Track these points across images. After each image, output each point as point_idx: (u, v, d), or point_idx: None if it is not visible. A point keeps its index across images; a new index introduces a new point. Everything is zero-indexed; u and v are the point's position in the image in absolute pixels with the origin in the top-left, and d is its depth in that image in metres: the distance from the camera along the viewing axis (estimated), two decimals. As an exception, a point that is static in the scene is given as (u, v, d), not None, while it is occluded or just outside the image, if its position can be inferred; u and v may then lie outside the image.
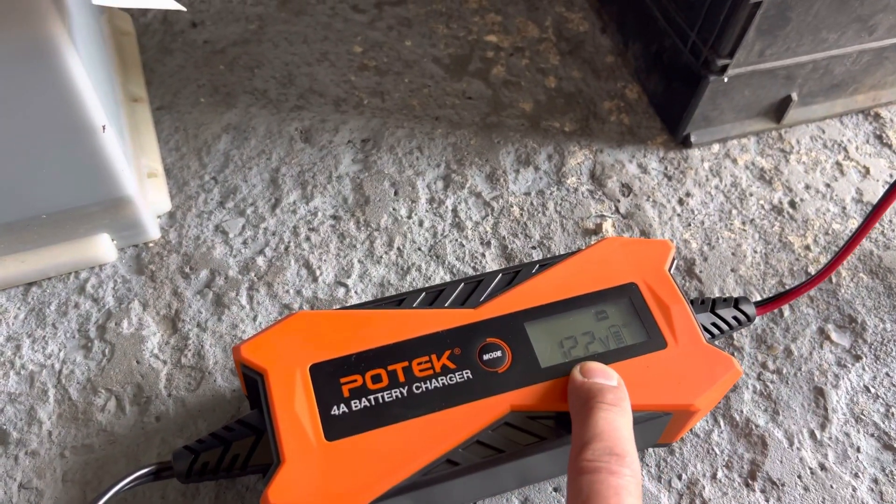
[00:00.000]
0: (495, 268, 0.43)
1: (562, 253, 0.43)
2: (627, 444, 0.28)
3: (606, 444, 0.27)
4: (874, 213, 0.37)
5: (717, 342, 0.40)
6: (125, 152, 0.38)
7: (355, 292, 0.41)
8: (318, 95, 0.49)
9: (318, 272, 0.42)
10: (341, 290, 0.41)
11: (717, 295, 0.43)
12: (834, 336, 0.42)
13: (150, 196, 0.42)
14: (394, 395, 0.31)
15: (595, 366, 0.32)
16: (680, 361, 0.33)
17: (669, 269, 0.35)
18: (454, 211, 0.45)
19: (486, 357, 0.32)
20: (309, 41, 0.52)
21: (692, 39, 0.44)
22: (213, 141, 0.47)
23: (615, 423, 0.29)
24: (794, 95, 0.47)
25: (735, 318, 0.38)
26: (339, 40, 0.52)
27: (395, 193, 0.46)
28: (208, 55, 0.51)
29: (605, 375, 0.31)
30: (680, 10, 0.45)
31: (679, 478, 0.37)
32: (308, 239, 0.43)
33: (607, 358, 0.32)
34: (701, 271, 0.44)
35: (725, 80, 0.44)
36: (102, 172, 0.35)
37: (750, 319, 0.38)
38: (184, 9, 0.28)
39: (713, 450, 0.38)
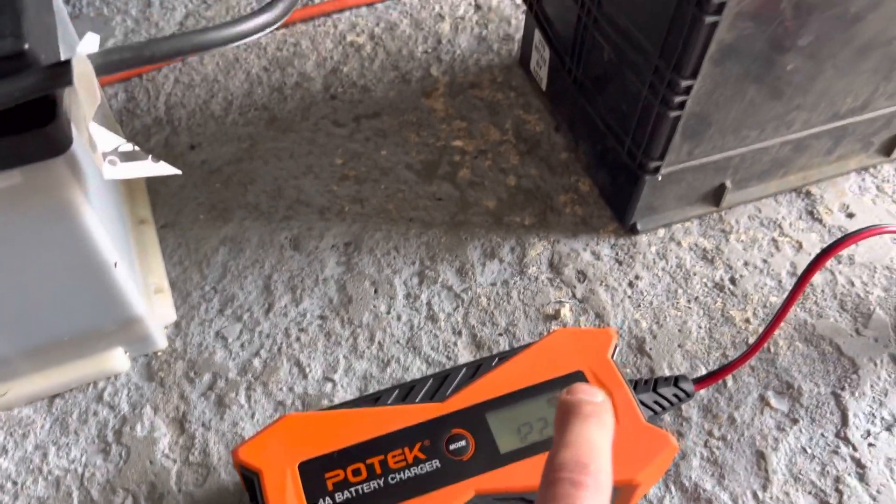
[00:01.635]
0: (466, 355, 0.48)
1: (525, 341, 0.48)
2: (596, 454, 0.27)
3: (574, 453, 0.27)
4: (797, 286, 0.42)
5: (662, 417, 0.45)
6: (134, 276, 0.44)
7: (341, 386, 0.46)
8: (305, 205, 0.55)
9: (307, 369, 0.47)
10: (329, 385, 0.47)
11: (666, 370, 0.48)
12: (773, 402, 0.46)
13: (157, 310, 0.48)
14: (372, 486, 0.36)
15: (581, 385, 0.31)
16: (622, 441, 0.37)
17: (612, 356, 0.40)
18: (428, 304, 0.50)
19: (452, 447, 0.37)
20: (295, 156, 0.58)
21: (628, 144, 0.49)
22: (212, 253, 0.53)
23: (586, 433, 0.28)
24: (728, 182, 0.53)
25: (675, 395, 0.43)
26: (322, 153, 0.58)
27: (375, 291, 0.51)
28: (206, 174, 0.57)
29: (589, 393, 0.30)
30: (614, 119, 0.51)
31: (635, 542, 0.41)
32: (298, 339, 0.49)
33: (556, 442, 0.37)
34: (651, 349, 0.49)
35: (659, 178, 0.49)
36: (116, 300, 0.41)
37: (689, 395, 0.43)
38: (178, 171, 0.34)
39: (665, 514, 0.42)
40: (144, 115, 0.61)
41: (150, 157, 0.34)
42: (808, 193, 0.57)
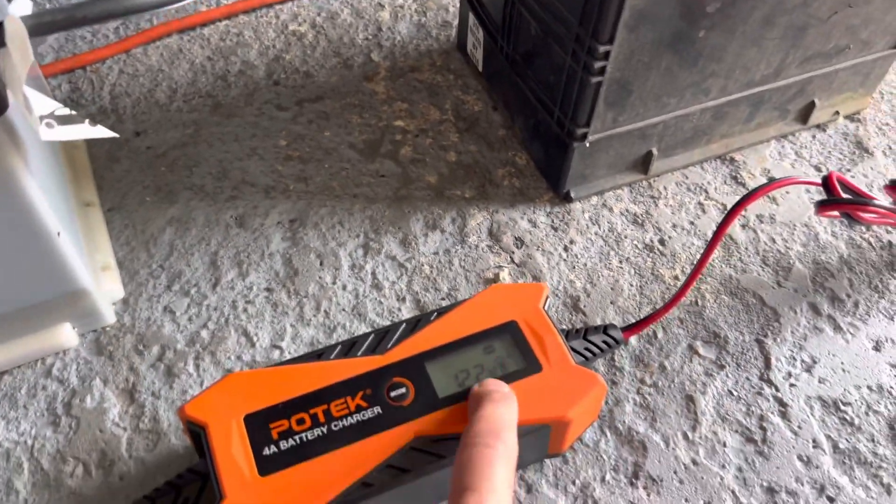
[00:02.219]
0: (410, 320, 0.50)
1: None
2: (505, 428, 0.34)
3: (486, 426, 0.34)
4: (715, 236, 0.45)
5: (594, 363, 0.47)
6: (79, 250, 0.45)
7: (289, 353, 0.48)
8: (250, 185, 0.57)
9: (255, 338, 0.48)
10: (276, 353, 0.48)
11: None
12: (701, 350, 0.49)
13: (104, 287, 0.49)
14: (316, 433, 0.38)
15: (491, 380, 0.38)
16: (553, 382, 0.40)
17: (543, 307, 0.43)
18: (373, 274, 0.52)
19: (392, 394, 0.39)
20: (240, 139, 0.60)
21: (556, 114, 0.52)
22: (159, 233, 0.54)
23: (497, 411, 0.35)
24: (655, 150, 0.56)
25: (605, 341, 0.45)
26: (266, 136, 0.60)
27: (321, 264, 0.53)
28: (151, 159, 0.58)
29: (498, 385, 0.38)
30: (544, 91, 0.53)
31: (573, 483, 0.43)
32: (245, 310, 0.50)
33: (491, 384, 0.39)
34: (585, 306, 0.51)
35: (587, 145, 0.52)
36: (60, 270, 0.42)
37: (618, 342, 0.45)
38: (116, 134, 0.35)
39: (601, 457, 0.44)
40: (89, 104, 0.61)
41: (87, 120, 0.35)
42: (732, 160, 0.60)
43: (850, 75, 0.59)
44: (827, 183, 0.44)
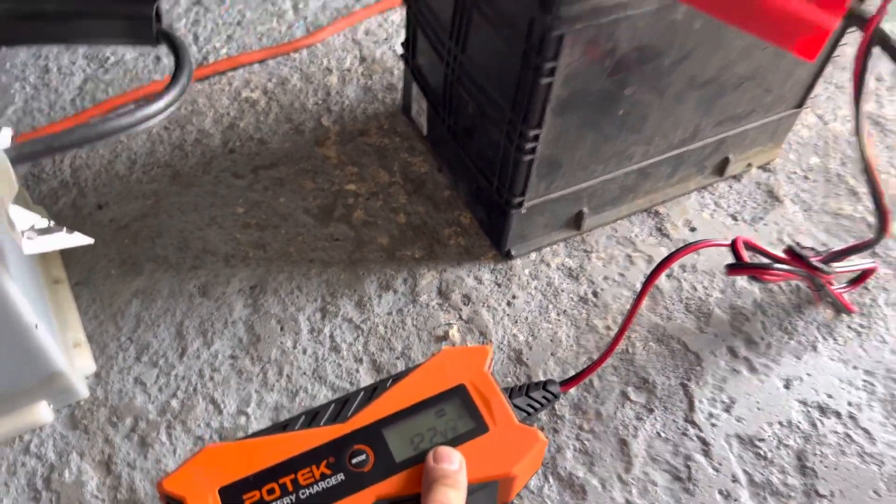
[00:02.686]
0: (368, 380, 0.54)
1: (420, 361, 0.55)
2: None
3: None
4: (637, 300, 0.50)
5: (538, 417, 0.52)
6: (53, 334, 0.48)
7: (255, 418, 0.51)
8: (211, 254, 0.60)
9: (222, 405, 0.52)
10: (243, 418, 0.51)
11: (541, 376, 0.55)
12: (633, 396, 0.54)
13: (77, 363, 0.52)
14: (285, 502, 0.41)
15: (444, 451, 0.43)
16: (499, 441, 0.44)
17: (489, 369, 0.47)
18: (331, 337, 0.56)
19: (354, 461, 0.43)
20: (199, 208, 0.63)
21: (495, 183, 0.57)
22: (125, 306, 0.57)
23: (448, 496, 0.39)
24: (585, 209, 0.61)
25: (544, 397, 0.50)
26: (225, 204, 0.63)
27: (282, 329, 0.56)
28: (114, 231, 0.61)
29: (450, 460, 0.42)
30: (483, 162, 0.58)
31: (520, 528, 0.48)
32: (212, 378, 0.53)
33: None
34: (528, 358, 0.56)
35: (524, 211, 0.57)
36: (38, 359, 0.45)
37: (556, 396, 0.50)
38: (90, 240, 0.38)
39: (545, 501, 0.49)
40: (51, 178, 0.64)
41: (63, 229, 0.38)
42: (657, 213, 0.66)
43: (759, 133, 0.66)
44: (734, 248, 0.49)
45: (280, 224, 0.63)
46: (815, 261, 0.50)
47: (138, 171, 0.65)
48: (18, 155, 0.34)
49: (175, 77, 0.40)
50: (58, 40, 0.42)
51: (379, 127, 0.70)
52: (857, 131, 0.42)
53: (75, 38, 0.41)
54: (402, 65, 0.75)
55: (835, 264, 0.56)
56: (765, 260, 0.50)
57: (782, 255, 0.51)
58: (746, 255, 0.49)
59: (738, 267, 0.49)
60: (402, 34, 0.72)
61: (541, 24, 0.44)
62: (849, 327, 0.59)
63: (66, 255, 0.59)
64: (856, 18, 0.40)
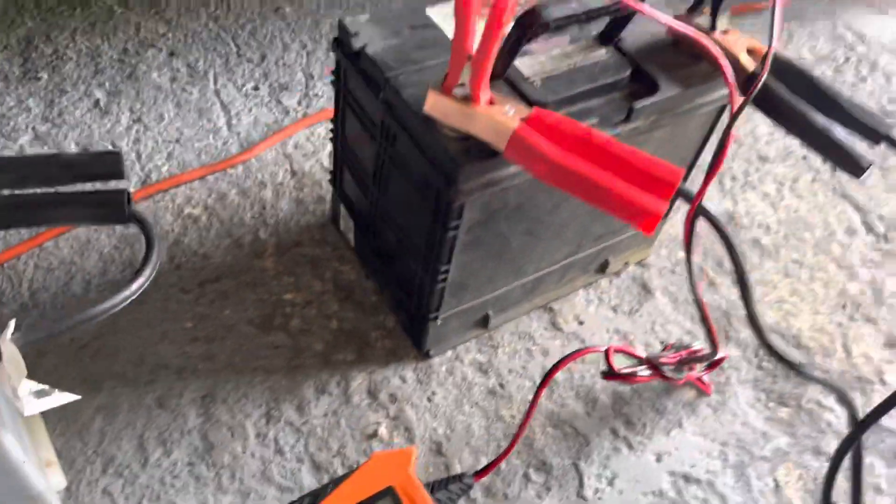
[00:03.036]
0: (309, 478, 0.63)
1: (353, 459, 0.64)
2: None
3: None
4: (533, 401, 0.61)
5: (455, 504, 0.62)
6: (30, 458, 0.55)
7: (213, 520, 0.60)
8: (164, 368, 0.68)
9: (184, 510, 0.60)
10: (203, 521, 0.60)
11: (458, 467, 0.65)
12: (533, 477, 0.65)
13: (50, 481, 0.58)
14: None
15: None
16: (423, 533, 0.54)
17: (413, 469, 0.57)
18: (275, 440, 0.65)
19: (303, 560, 0.52)
20: (151, 324, 0.71)
21: (414, 300, 0.67)
22: (90, 422, 0.64)
23: None
24: (491, 312, 0.72)
25: (461, 488, 0.60)
26: (174, 319, 0.71)
27: (232, 435, 0.65)
28: (75, 351, 0.68)
29: None
30: (403, 281, 0.68)
31: None
32: (173, 485, 0.61)
33: (378, 544, 0.53)
34: (446, 450, 0.66)
35: (439, 322, 0.67)
36: (22, 489, 0.52)
37: (470, 486, 0.61)
38: (77, 396, 0.46)
39: (463, 575, 0.59)
40: (10, 301, 0.70)
41: (56, 391, 0.46)
42: (551, 309, 0.78)
43: (631, 239, 0.79)
44: (606, 357, 0.61)
45: (226, 335, 0.71)
46: (668, 370, 0.62)
47: (93, 290, 0.72)
48: (25, 342, 0.42)
49: (146, 256, 0.49)
50: (42, 223, 0.50)
51: (311, 238, 0.80)
52: (690, 281, 0.55)
53: (57, 221, 0.49)
54: (329, 177, 0.85)
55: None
56: (631, 369, 0.62)
57: (646, 360, 0.63)
58: (615, 364, 0.61)
59: (610, 374, 0.61)
60: (329, 148, 0.81)
61: (446, 195, 0.55)
62: (707, 405, 0.72)
63: (31, 374, 0.65)
64: (683, 195, 0.53)
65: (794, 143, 0.98)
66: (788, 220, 0.92)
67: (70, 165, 0.51)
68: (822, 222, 0.92)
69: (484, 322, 0.73)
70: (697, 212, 0.53)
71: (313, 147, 0.88)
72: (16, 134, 0.82)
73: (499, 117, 0.52)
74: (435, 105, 0.54)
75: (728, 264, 0.85)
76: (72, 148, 0.82)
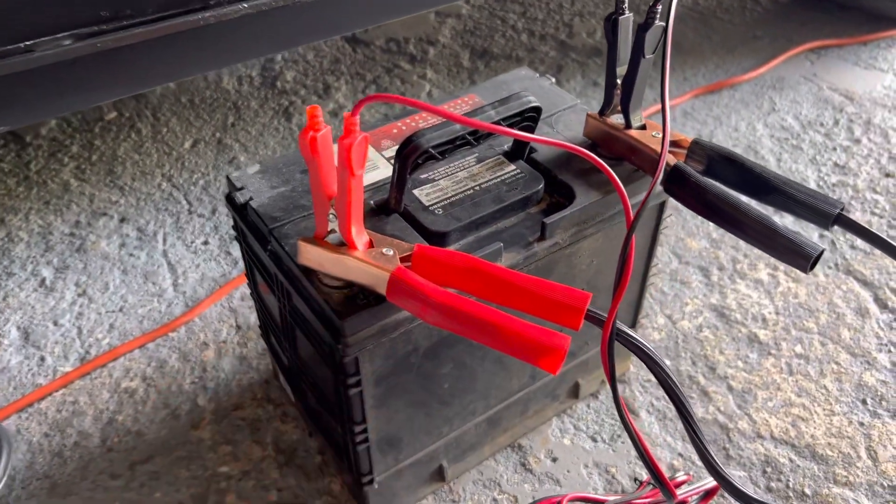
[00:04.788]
0: None
1: None
2: None
3: None
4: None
5: None
6: None
7: None
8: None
9: None
10: None
11: None
12: None
13: None
14: None
15: None
16: None
17: None
18: None
19: None
20: (75, 520, 0.65)
21: (348, 463, 0.60)
22: None
23: None
24: (444, 462, 0.64)
25: None
26: (101, 512, 0.65)
27: None
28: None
29: None
30: (335, 442, 0.62)
31: None
32: None
33: None
34: None
35: (376, 486, 0.60)
36: None
37: None
38: None
39: None
40: (-71, 510, 0.66)
41: None
42: (520, 446, 0.69)
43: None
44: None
45: (154, 524, 0.64)
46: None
47: (17, 488, 0.67)
48: None
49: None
50: None
51: (253, 397, 0.74)
52: (620, 415, 0.47)
53: None
54: (274, 328, 0.80)
55: (680, 490, 0.59)
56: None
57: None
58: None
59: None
60: (273, 298, 0.77)
61: (337, 350, 0.49)
62: (708, 545, 0.61)
63: None
64: (595, 320, 0.46)
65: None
66: (787, 308, 0.82)
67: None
68: (827, 306, 0.82)
69: (439, 474, 0.65)
70: (612, 338, 0.45)
71: (260, 297, 0.84)
72: (-43, 325, 0.81)
73: (374, 261, 0.47)
74: (307, 255, 0.49)
75: (723, 368, 0.75)
76: (12, 333, 0.80)
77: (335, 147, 0.45)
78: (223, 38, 0.61)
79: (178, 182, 1.00)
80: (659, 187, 0.58)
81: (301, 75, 1.20)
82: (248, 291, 0.84)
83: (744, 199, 0.52)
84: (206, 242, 0.91)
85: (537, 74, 0.70)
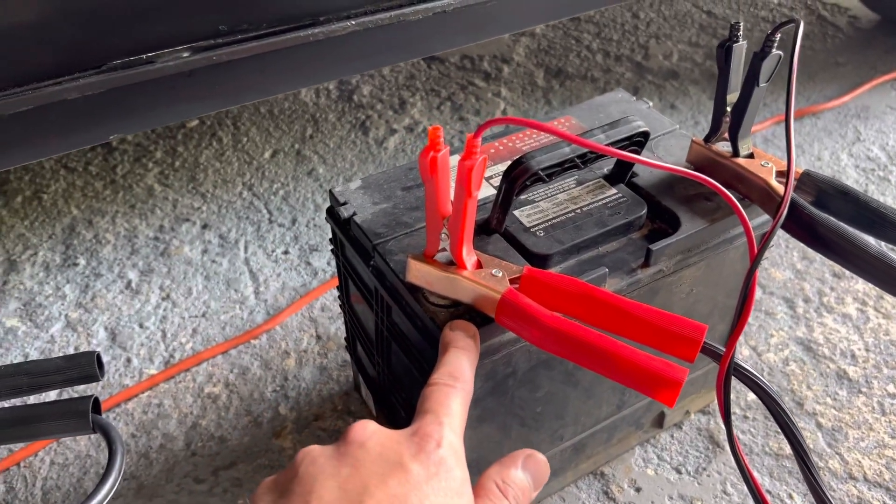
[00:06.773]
0: None
1: None
2: (464, 372, 0.42)
3: (447, 369, 0.42)
4: None
5: None
6: None
7: None
8: (171, 572, 0.62)
9: None
10: None
11: None
12: None
13: None
14: None
15: (459, 324, 0.46)
16: None
17: None
18: None
19: None
20: (161, 521, 0.66)
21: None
22: None
23: (459, 358, 0.43)
24: (529, 487, 0.64)
25: None
26: (186, 514, 0.66)
27: None
28: (79, 557, 0.63)
29: (465, 329, 0.45)
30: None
31: None
32: None
33: None
34: None
35: (463, 507, 0.59)
36: None
37: None
38: None
39: None
40: (23, 502, 0.67)
41: None
42: (602, 474, 0.68)
43: (689, 385, 0.69)
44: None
45: (239, 533, 0.65)
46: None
47: (105, 486, 0.68)
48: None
49: (108, 469, 0.44)
50: (10, 441, 0.47)
51: (333, 408, 0.74)
52: (736, 459, 0.46)
53: (21, 439, 0.46)
54: (353, 341, 0.81)
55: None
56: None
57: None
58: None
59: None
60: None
61: (438, 370, 0.49)
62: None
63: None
64: (711, 353, 0.45)
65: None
66: (878, 344, 0.79)
67: (41, 373, 0.48)
68: (921, 344, 0.79)
69: (521, 497, 0.64)
70: (728, 373, 0.44)
71: (339, 310, 0.84)
72: (48, 323, 0.83)
73: (485, 282, 0.47)
74: (416, 273, 0.49)
75: (811, 404, 0.73)
76: (100, 333, 0.82)
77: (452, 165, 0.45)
78: (329, 53, 0.62)
79: (259, 191, 1.02)
80: (766, 217, 0.57)
81: (377, 90, 1.22)
82: (327, 303, 0.85)
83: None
84: (286, 252, 0.92)
85: (633, 98, 0.70)
